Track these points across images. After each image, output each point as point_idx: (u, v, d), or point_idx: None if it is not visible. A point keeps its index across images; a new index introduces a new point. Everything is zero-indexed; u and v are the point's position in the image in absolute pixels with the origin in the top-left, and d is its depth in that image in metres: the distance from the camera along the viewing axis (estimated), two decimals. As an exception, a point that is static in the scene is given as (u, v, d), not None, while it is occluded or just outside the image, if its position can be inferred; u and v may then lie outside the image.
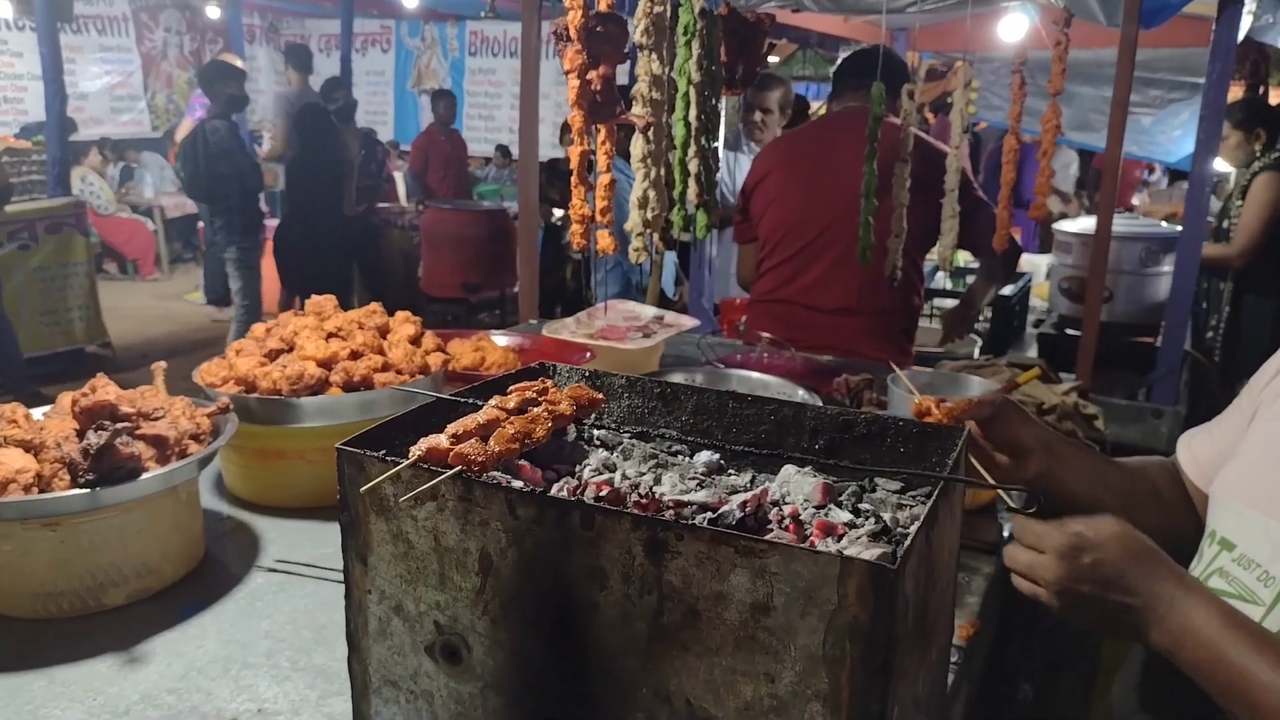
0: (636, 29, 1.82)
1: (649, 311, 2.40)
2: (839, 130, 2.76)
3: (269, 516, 1.60)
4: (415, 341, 1.70)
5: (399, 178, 9.21)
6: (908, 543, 0.75)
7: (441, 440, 0.90)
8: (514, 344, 2.06)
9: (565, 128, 6.07)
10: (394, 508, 0.89)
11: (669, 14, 1.87)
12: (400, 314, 1.76)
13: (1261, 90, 5.23)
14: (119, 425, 1.28)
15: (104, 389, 1.37)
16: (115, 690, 1.13)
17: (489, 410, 0.98)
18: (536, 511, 0.82)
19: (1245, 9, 2.86)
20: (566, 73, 1.65)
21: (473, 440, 0.89)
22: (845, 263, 2.62)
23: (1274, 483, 1.10)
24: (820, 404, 1.81)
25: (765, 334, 2.60)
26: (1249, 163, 3.96)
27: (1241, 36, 3.32)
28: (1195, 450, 1.36)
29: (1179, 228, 3.12)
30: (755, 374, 2.00)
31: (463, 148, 8.44)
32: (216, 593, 1.37)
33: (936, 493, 0.86)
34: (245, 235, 5.86)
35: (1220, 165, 4.90)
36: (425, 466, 0.87)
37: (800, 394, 1.88)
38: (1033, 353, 3.41)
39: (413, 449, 0.90)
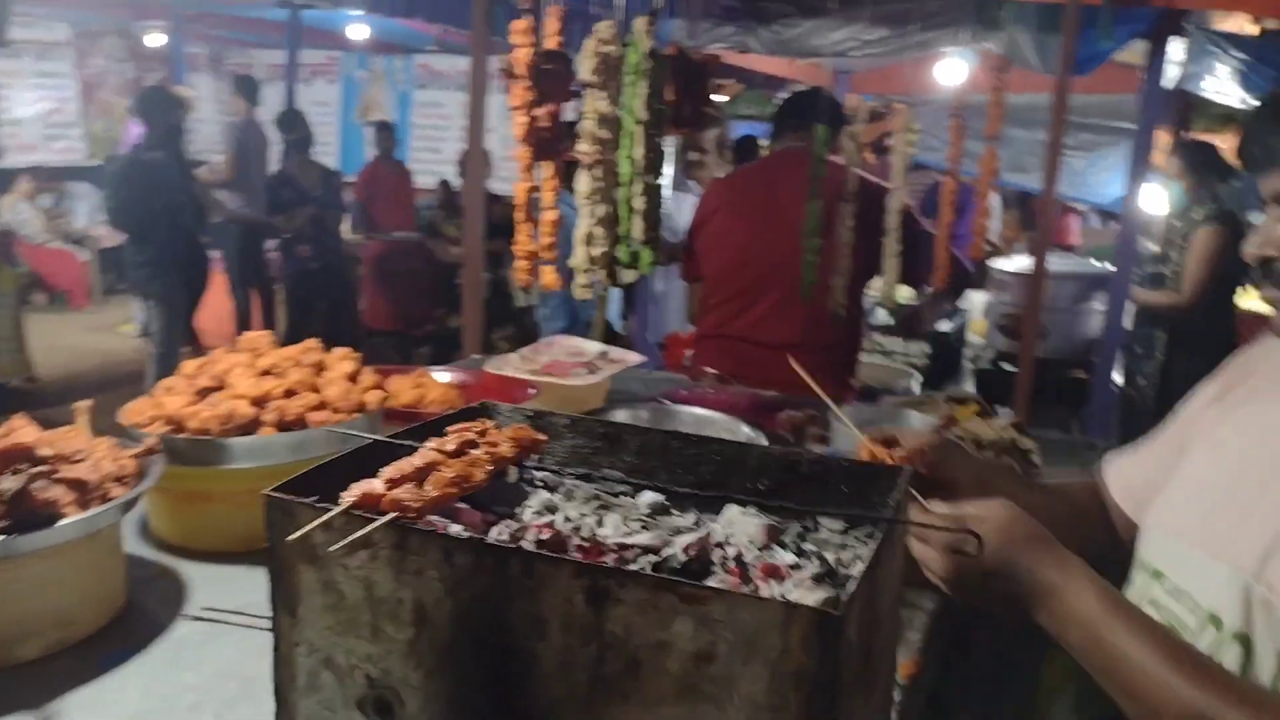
0: (584, 67, 1.83)
1: (594, 347, 2.38)
2: (781, 169, 2.81)
3: (196, 562, 1.53)
4: (353, 378, 1.66)
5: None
6: (852, 587, 0.74)
7: (376, 485, 0.87)
8: (456, 380, 2.03)
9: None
10: (324, 557, 0.86)
11: (617, 53, 1.89)
12: (338, 350, 1.72)
13: (1185, 134, 5.45)
14: (36, 469, 1.22)
15: (21, 430, 1.31)
16: (25, 752, 1.07)
17: (426, 453, 0.96)
18: (474, 559, 0.80)
19: (1172, 60, 2.98)
20: (514, 109, 1.65)
21: (408, 485, 0.87)
22: (789, 299, 2.66)
23: (1200, 513, 1.13)
24: (764, 441, 1.81)
25: (710, 369, 2.60)
26: (1184, 209, 4.02)
27: (1172, 85, 3.47)
28: (1125, 476, 1.39)
29: (1111, 266, 3.21)
30: (700, 410, 2.00)
31: (408, 179, 8.38)
32: (138, 643, 1.30)
33: (881, 536, 0.85)
34: (171, 272, 5.58)
35: (1147, 206, 5.09)
36: (358, 513, 0.85)
37: (744, 430, 1.88)
38: (970, 388, 3.47)
39: (345, 495, 0.87)
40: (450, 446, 0.97)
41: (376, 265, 7.18)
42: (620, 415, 1.93)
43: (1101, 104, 5.13)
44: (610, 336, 4.25)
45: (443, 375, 2.01)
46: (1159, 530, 1.22)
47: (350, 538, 0.82)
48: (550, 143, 1.65)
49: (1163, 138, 5.32)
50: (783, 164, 2.84)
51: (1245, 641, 1.01)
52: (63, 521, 1.22)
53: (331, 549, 0.82)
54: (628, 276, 2.09)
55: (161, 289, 5.60)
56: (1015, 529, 1.06)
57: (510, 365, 2.18)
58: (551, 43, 1.69)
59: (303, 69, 10.42)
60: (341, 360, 1.69)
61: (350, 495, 0.86)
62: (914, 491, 1.10)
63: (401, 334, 7.10)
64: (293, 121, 6.45)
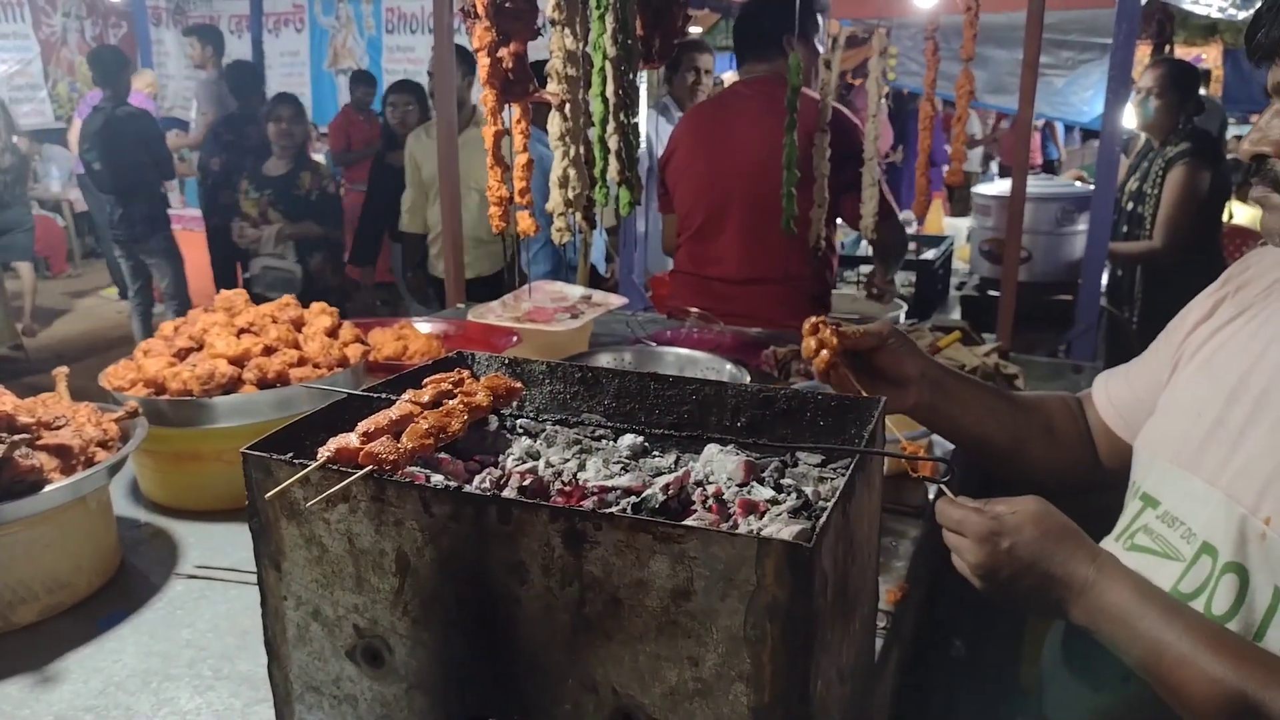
0: (548, 4, 1.78)
1: (576, 291, 2.38)
2: (741, 100, 2.77)
3: (188, 521, 1.55)
4: (332, 333, 1.66)
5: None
6: (823, 519, 0.75)
7: (352, 439, 0.88)
8: (438, 330, 2.02)
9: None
10: (305, 511, 0.87)
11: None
12: (316, 305, 1.71)
13: (1167, 49, 5.38)
14: (17, 437, 1.22)
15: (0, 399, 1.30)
16: (27, 713, 1.09)
17: (402, 405, 0.96)
18: (452, 508, 0.80)
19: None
20: (475, 50, 1.62)
21: (384, 438, 0.87)
22: (752, 233, 2.66)
23: (1195, 440, 1.12)
24: (747, 379, 1.82)
25: (694, 309, 2.60)
26: (1159, 147, 3.77)
27: (1146, -2, 3.41)
28: (1112, 394, 1.39)
29: (1092, 186, 3.20)
30: (684, 350, 2.00)
31: (379, 129, 8.24)
32: (134, 603, 1.32)
33: (853, 466, 0.86)
34: (167, 225, 5.67)
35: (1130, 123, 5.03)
36: (335, 468, 0.85)
37: (728, 368, 1.88)
38: (956, 315, 3.47)
39: (322, 450, 0.87)
40: (426, 398, 0.97)
41: (354, 215, 7.09)
42: (604, 359, 1.93)
43: (1080, 20, 5.05)
44: (595, 279, 4.23)
45: (424, 326, 2.01)
46: (1151, 454, 1.21)
47: (327, 492, 0.83)
48: (516, 84, 1.62)
49: (1144, 52, 5.25)
50: (745, 95, 2.80)
51: (1241, 572, 1.02)
52: (48, 488, 1.22)
53: (309, 504, 0.83)
54: (607, 218, 2.07)
55: (164, 242, 5.62)
56: (1050, 524, 1.04)
57: (492, 313, 2.17)
58: (514, -20, 1.64)
59: (268, 18, 10.17)
60: (320, 315, 1.68)
61: (327, 450, 0.86)
62: (944, 487, 1.08)
63: (388, 284, 7.05)
64: (241, 75, 6.17)
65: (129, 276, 5.78)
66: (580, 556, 0.77)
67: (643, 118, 3.39)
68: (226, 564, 1.42)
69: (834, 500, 0.78)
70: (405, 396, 0.98)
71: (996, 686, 1.64)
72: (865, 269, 3.69)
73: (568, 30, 1.81)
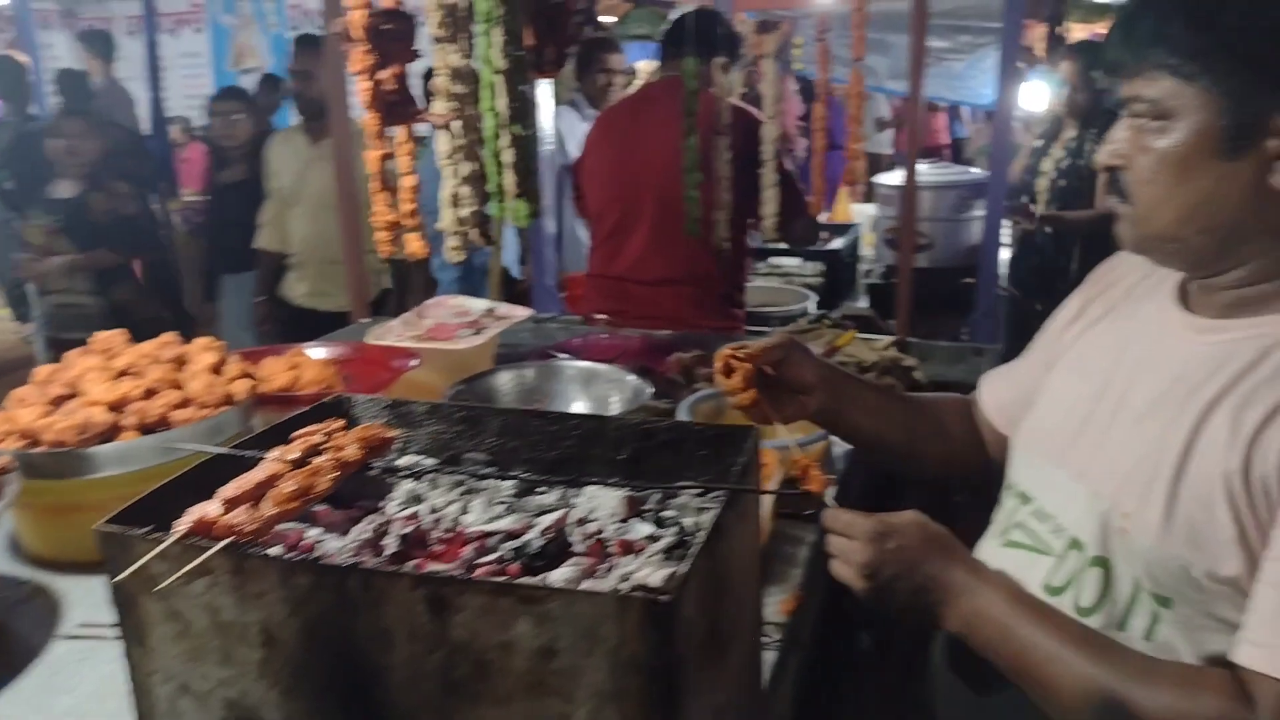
0: (431, 22, 1.75)
1: (479, 305, 2.35)
2: (653, 102, 2.78)
3: (72, 576, 1.49)
4: (217, 370, 1.61)
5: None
6: (685, 569, 0.75)
7: (211, 509, 0.85)
8: (334, 356, 1.98)
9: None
10: (166, 587, 0.84)
11: (464, 3, 1.81)
12: (199, 341, 1.66)
13: (1060, 29, 5.54)
14: None
15: None
16: (-109, 802, 1.04)
17: (268, 464, 0.93)
18: (313, 579, 0.79)
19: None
20: (355, 74, 1.58)
21: (245, 506, 0.85)
22: (662, 234, 2.66)
23: (1065, 436, 1.16)
24: (650, 391, 1.82)
25: (600, 315, 2.60)
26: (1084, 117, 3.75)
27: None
28: (997, 392, 1.43)
29: (988, 172, 3.28)
30: (586, 364, 2.00)
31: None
32: (11, 670, 1.26)
33: (723, 504, 0.87)
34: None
35: (1027, 104, 5.17)
36: (193, 541, 0.83)
37: (630, 379, 1.89)
38: (865, 303, 3.53)
39: (178, 523, 0.84)
40: (294, 454, 0.95)
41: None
42: (505, 376, 1.92)
43: (976, 5, 5.18)
44: (509, 282, 4.20)
45: (318, 352, 1.96)
46: (1025, 451, 1.25)
47: (183, 569, 0.81)
48: (399, 106, 1.59)
49: (1039, 32, 5.40)
50: (655, 96, 2.81)
51: (1104, 565, 1.06)
52: (-93, 560, 1.16)
53: (159, 588, 0.81)
54: (523, 221, 2.03)
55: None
56: (932, 531, 1.08)
57: (392, 333, 2.14)
58: (389, 1, 1.61)
59: (166, 18, 9.80)
60: (203, 352, 1.63)
61: (183, 523, 0.84)
62: (829, 501, 1.12)
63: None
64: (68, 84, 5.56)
65: (35, 299, 5.52)
66: (445, 622, 0.76)
67: (549, 116, 3.35)
68: (112, 620, 1.37)
69: (698, 546, 0.79)
70: (273, 454, 0.96)
71: (904, 676, 1.68)
72: (775, 260, 3.74)
73: (452, 46, 1.78)
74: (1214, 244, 1.02)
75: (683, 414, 1.84)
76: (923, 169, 3.64)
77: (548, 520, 1.00)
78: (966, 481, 1.57)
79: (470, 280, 4.13)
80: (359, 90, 1.59)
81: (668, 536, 0.95)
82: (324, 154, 3.51)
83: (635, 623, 0.71)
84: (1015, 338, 3.39)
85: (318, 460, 0.94)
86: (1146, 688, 0.94)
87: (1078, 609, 1.08)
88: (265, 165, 3.98)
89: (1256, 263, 1.02)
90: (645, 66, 7.45)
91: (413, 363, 1.93)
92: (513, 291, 4.30)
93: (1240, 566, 0.93)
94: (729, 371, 1.23)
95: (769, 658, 1.25)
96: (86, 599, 1.43)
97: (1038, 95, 5.19)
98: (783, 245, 3.81)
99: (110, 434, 1.46)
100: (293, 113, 4.22)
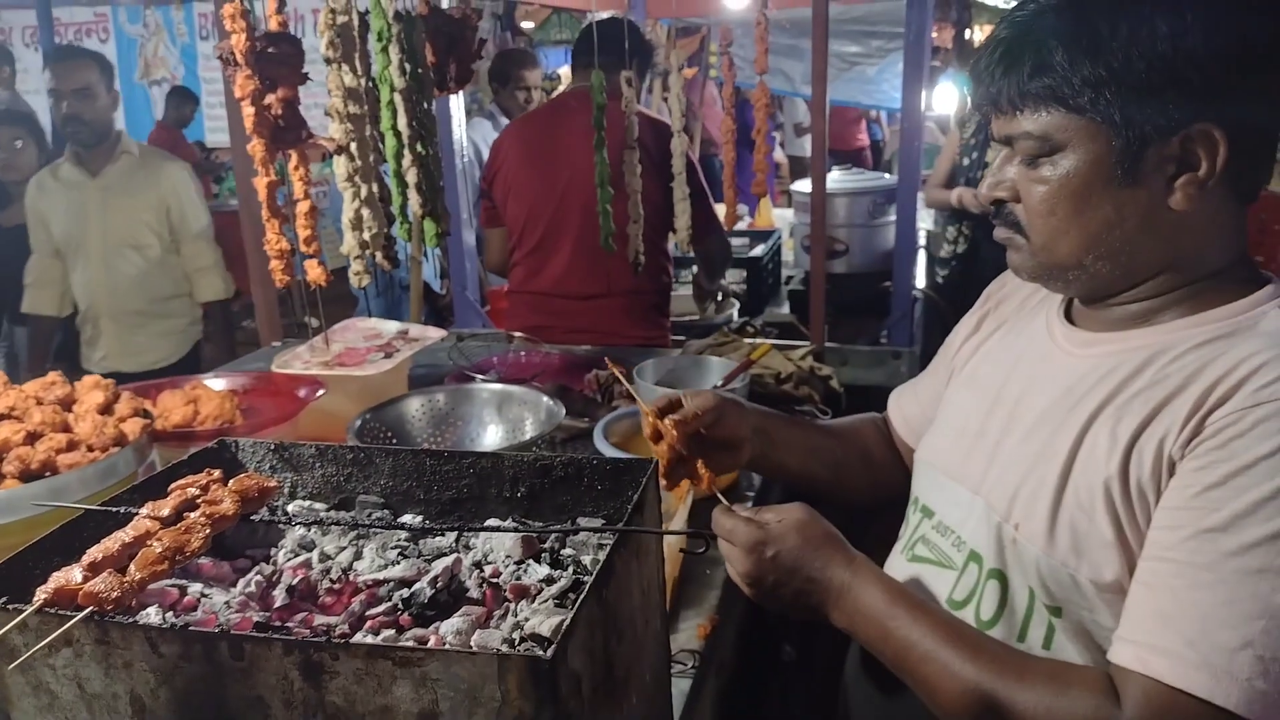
0: (321, 41, 1.71)
1: (392, 327, 2.30)
2: (569, 113, 2.74)
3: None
4: (107, 409, 1.54)
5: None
6: (567, 620, 0.74)
7: (74, 574, 0.81)
8: (236, 386, 1.91)
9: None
10: (26, 660, 0.79)
11: (356, 22, 1.77)
12: (88, 380, 1.59)
13: (969, 33, 5.66)
14: None
15: None
16: None
17: (139, 523, 0.89)
18: (181, 648, 0.75)
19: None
20: (239, 100, 1.52)
21: (109, 572, 0.81)
22: (586, 249, 2.64)
23: (961, 451, 1.18)
24: (563, 412, 1.80)
25: (519, 333, 2.57)
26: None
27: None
28: (905, 411, 1.46)
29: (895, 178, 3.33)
30: (499, 386, 1.97)
31: (185, 142, 7.81)
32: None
33: (611, 546, 0.86)
34: None
35: (939, 106, 5.27)
36: (53, 611, 0.78)
37: (545, 401, 1.86)
38: (786, 309, 3.57)
39: (39, 590, 0.80)
40: (165, 511, 0.91)
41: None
42: (415, 402, 1.88)
43: (887, 11, 5.26)
44: (430, 298, 4.13)
45: (218, 383, 1.90)
46: (926, 465, 1.27)
47: (44, 640, 0.76)
48: (288, 131, 1.54)
49: (947, 36, 5.52)
50: (570, 107, 2.78)
51: (1001, 578, 1.07)
52: None
53: (22, 658, 0.76)
54: (417, 250, 2.00)
55: None
56: (812, 531, 1.08)
57: (299, 359, 2.07)
58: (274, 24, 1.56)
59: (67, 28, 9.45)
60: (91, 391, 1.56)
61: (44, 591, 0.79)
62: (720, 495, 1.13)
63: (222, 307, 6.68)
64: None
65: None
66: (321, 688, 0.73)
67: (460, 128, 3.30)
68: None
69: (583, 594, 0.77)
70: (144, 511, 0.91)
71: (827, 684, 1.69)
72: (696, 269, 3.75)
73: (345, 67, 1.74)
74: (1115, 269, 1.03)
75: (599, 433, 1.82)
76: (836, 175, 3.70)
77: (440, 566, 0.97)
78: (894, 502, 1.58)
79: (391, 296, 4.06)
80: (244, 116, 1.53)
81: (564, 579, 0.94)
82: (108, 186, 3.14)
83: (517, 682, 0.70)
84: (934, 340, 3.46)
85: (191, 517, 0.90)
86: (1018, 684, 0.95)
87: (979, 621, 1.09)
88: (30, 214, 3.25)
89: (1150, 283, 1.04)
90: (567, 72, 7.42)
91: (320, 392, 1.88)
92: (435, 306, 4.25)
93: (1120, 571, 0.95)
94: (657, 437, 1.21)
95: (684, 686, 1.24)
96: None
97: (948, 97, 5.31)
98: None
99: (-11, 483, 1.39)
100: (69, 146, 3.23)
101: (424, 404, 1.88)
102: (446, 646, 0.78)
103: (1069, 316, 1.15)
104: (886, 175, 4.06)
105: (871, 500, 1.51)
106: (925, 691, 1.02)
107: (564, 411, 1.81)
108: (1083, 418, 1.02)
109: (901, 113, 3.16)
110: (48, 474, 1.43)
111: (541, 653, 0.70)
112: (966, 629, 1.05)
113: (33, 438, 1.46)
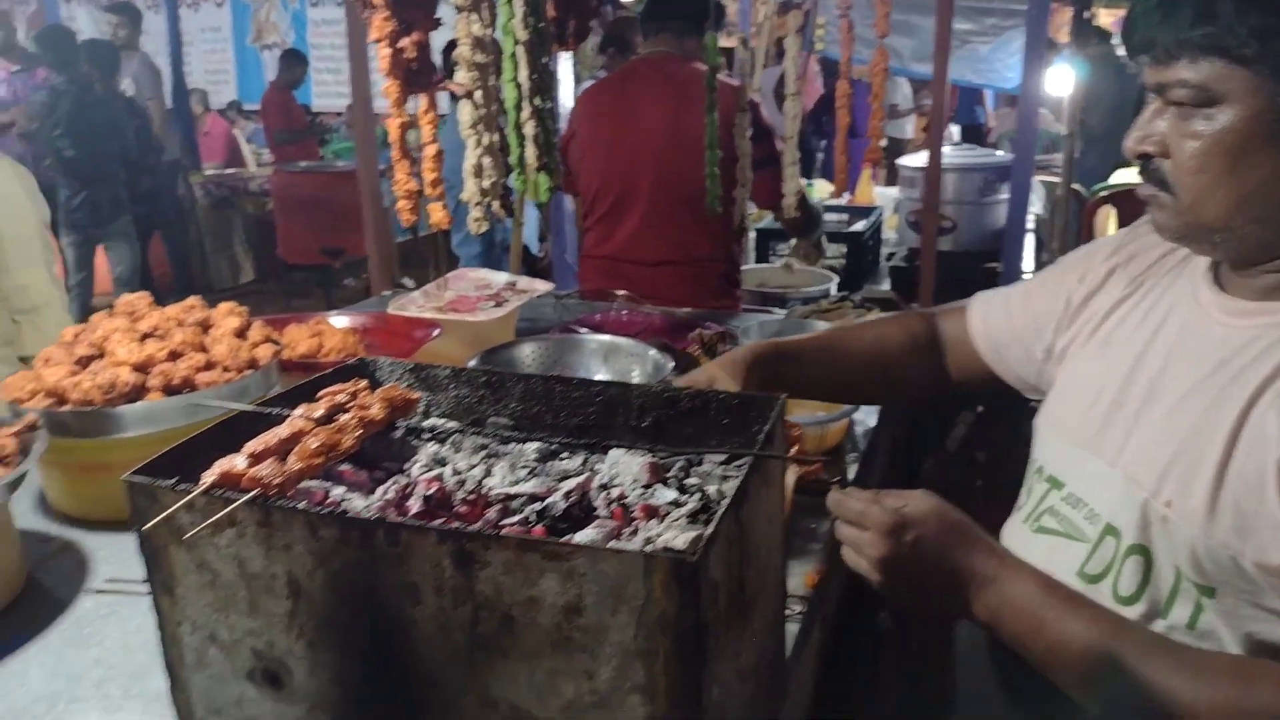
0: (452, -11, 1.75)
1: (501, 278, 2.35)
2: (640, 80, 2.74)
3: (99, 533, 1.51)
4: (241, 334, 1.62)
5: (241, 139, 8.72)
6: (710, 530, 0.75)
7: (237, 462, 0.86)
8: (356, 325, 1.98)
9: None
10: (192, 538, 0.85)
11: (487, -28, 1.80)
12: (223, 306, 1.67)
13: (1088, 13, 5.45)
14: (-100, 461, 1.17)
15: (-118, 421, 1.25)
16: (-77, 747, 1.06)
17: (294, 421, 0.94)
18: (339, 532, 0.79)
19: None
20: (375, 41, 1.57)
21: (271, 460, 0.85)
22: (661, 215, 2.65)
23: (1095, 421, 1.14)
24: (671, 365, 1.82)
25: (621, 291, 2.59)
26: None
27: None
28: (989, 321, 1.40)
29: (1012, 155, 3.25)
30: (607, 337, 1.99)
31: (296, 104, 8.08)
32: (40, 623, 1.28)
33: (746, 469, 0.87)
34: (129, 209, 5.57)
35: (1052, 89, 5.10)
36: (219, 493, 0.83)
37: (652, 354, 1.88)
38: (886, 286, 3.51)
39: (205, 474, 0.85)
40: (319, 413, 0.95)
41: (287, 196, 6.94)
42: (526, 348, 1.92)
43: (1004, -13, 5.11)
44: (528, 259, 4.20)
45: (341, 321, 1.97)
46: (1054, 433, 1.22)
47: (211, 519, 0.81)
48: (420, 74, 1.59)
49: (1065, 16, 5.33)
50: (641, 73, 2.77)
51: (1145, 554, 1.03)
52: (-62, 512, 1.18)
53: (188, 536, 0.81)
54: (534, 196, 2.03)
55: (123, 227, 5.52)
56: (951, 519, 1.02)
57: (413, 304, 2.14)
58: (413, -32, 1.60)
59: (188, -8, 9.84)
60: (227, 316, 1.64)
61: (210, 475, 0.84)
62: (834, 484, 1.07)
63: (324, 267, 6.92)
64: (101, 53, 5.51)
65: (73, 266, 5.62)
66: (471, 576, 0.76)
67: (569, 93, 3.34)
68: (138, 576, 1.38)
69: (723, 509, 0.79)
70: (298, 412, 0.96)
71: (923, 658, 1.68)
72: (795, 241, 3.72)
73: (474, 16, 1.78)
74: (1266, 233, 0.98)
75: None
76: (947, 150, 3.61)
77: (571, 484, 1.00)
78: (915, 403, 1.57)
79: (491, 257, 4.13)
80: (380, 57, 1.58)
81: (691, 502, 0.95)
82: None
83: (661, 582, 0.71)
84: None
85: (343, 418, 0.94)
86: (1195, 682, 0.90)
87: (1117, 597, 1.06)
88: None
89: None
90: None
91: (435, 333, 1.93)
92: (532, 268, 4.32)
93: None
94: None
95: (791, 629, 1.25)
96: (113, 555, 1.44)
97: (1062, 80, 5.13)
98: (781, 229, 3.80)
99: (136, 394, 1.47)
100: None
101: (534, 350, 1.91)
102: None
103: (1218, 283, 1.10)
104: (999, 152, 3.95)
105: (892, 400, 1.49)
106: (1086, 690, 0.96)
107: (672, 364, 1.82)
108: (1246, 393, 0.96)
109: (1020, 91, 3.07)
110: (186, 390, 1.52)
111: (689, 556, 0.71)
112: (1130, 624, 0.99)
113: (174, 356, 1.54)
